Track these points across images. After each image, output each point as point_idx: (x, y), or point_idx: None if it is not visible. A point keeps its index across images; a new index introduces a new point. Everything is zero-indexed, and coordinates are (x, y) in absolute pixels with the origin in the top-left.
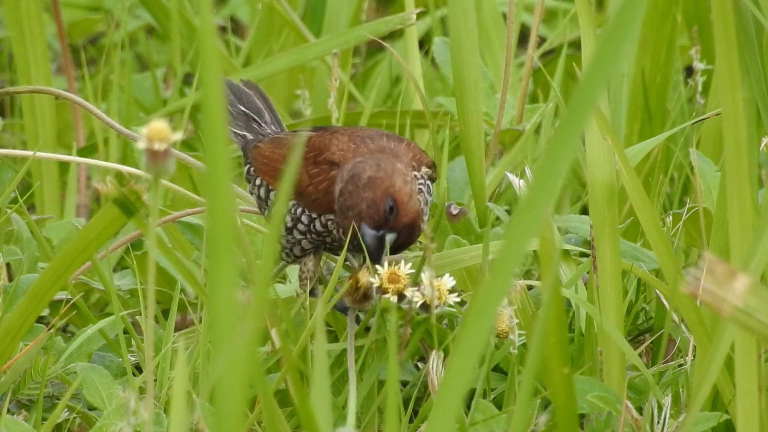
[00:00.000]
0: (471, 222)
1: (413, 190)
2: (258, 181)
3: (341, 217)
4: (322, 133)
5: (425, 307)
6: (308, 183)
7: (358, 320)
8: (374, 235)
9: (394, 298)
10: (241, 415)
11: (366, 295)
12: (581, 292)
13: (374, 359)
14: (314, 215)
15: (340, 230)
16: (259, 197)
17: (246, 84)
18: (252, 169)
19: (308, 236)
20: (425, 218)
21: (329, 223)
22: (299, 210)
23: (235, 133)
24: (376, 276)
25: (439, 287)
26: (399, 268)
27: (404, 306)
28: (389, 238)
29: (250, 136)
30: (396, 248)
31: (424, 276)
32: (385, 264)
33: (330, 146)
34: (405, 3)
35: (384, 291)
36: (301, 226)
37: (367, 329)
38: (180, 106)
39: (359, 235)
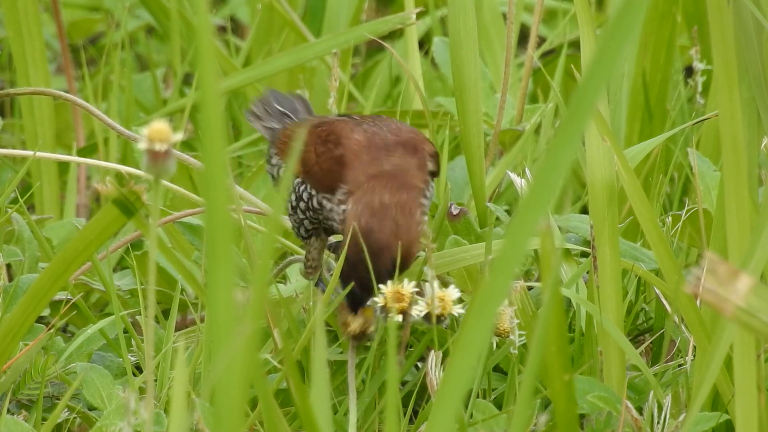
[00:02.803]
0: (471, 222)
1: (417, 233)
2: (274, 160)
3: (346, 266)
4: (347, 119)
5: (429, 318)
6: (314, 161)
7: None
8: (359, 294)
9: (398, 318)
10: (241, 415)
11: (357, 337)
12: (581, 292)
13: (376, 368)
14: (314, 192)
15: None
16: (272, 176)
17: (291, 93)
18: (272, 150)
19: (308, 214)
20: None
21: (324, 201)
22: (302, 187)
23: (265, 127)
24: (380, 295)
25: (443, 298)
26: (402, 286)
27: (407, 323)
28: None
29: (278, 127)
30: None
31: (427, 288)
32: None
33: (346, 132)
34: (405, 3)
35: (388, 310)
36: (302, 204)
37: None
38: (180, 106)
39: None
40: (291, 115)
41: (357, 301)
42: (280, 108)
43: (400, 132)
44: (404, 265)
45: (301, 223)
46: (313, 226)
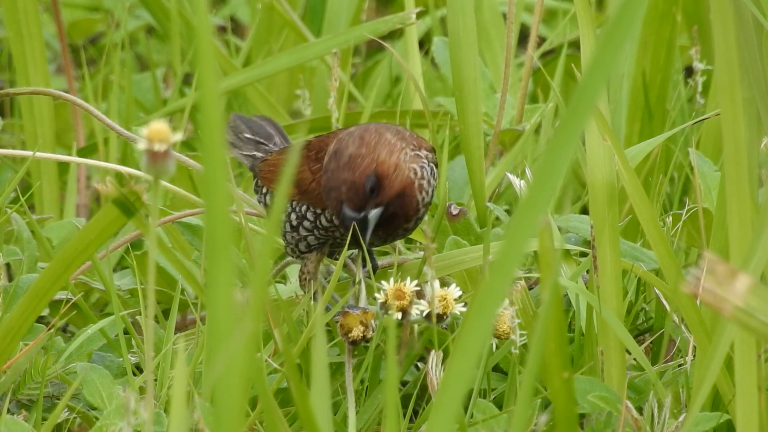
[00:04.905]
0: (471, 222)
1: (401, 159)
2: (264, 190)
3: (325, 198)
4: (324, 135)
5: (430, 317)
6: (311, 179)
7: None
8: (354, 217)
9: (398, 315)
10: (241, 415)
11: (355, 342)
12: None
13: (376, 368)
14: (318, 211)
15: (332, 213)
16: (266, 205)
17: (259, 117)
18: (258, 180)
19: (315, 232)
20: (426, 195)
21: (335, 218)
22: (303, 207)
23: (244, 155)
24: (381, 292)
25: (445, 297)
26: (404, 284)
27: (406, 321)
28: (374, 213)
29: (259, 155)
30: (389, 219)
31: (429, 287)
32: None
33: (330, 142)
34: (405, 3)
35: (388, 308)
36: (306, 223)
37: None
38: (180, 106)
39: (341, 217)
40: (265, 141)
41: (345, 220)
42: (252, 136)
43: (386, 125)
44: (405, 210)
45: (303, 240)
46: (319, 242)
